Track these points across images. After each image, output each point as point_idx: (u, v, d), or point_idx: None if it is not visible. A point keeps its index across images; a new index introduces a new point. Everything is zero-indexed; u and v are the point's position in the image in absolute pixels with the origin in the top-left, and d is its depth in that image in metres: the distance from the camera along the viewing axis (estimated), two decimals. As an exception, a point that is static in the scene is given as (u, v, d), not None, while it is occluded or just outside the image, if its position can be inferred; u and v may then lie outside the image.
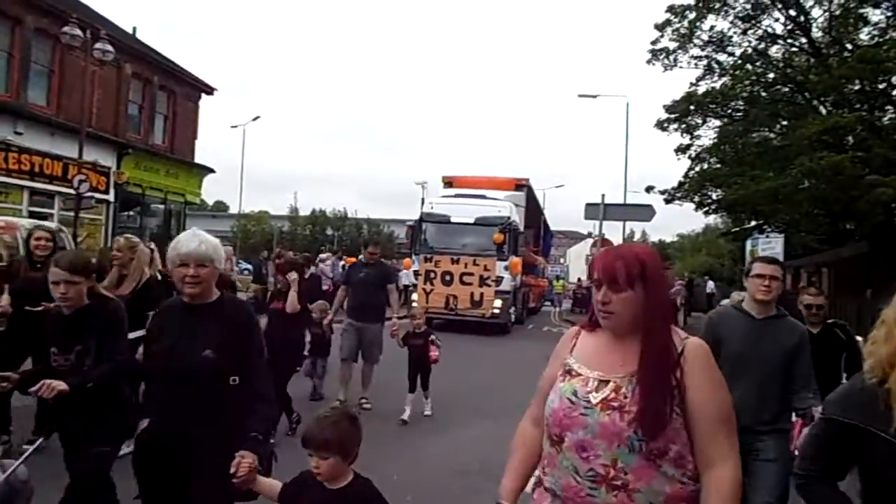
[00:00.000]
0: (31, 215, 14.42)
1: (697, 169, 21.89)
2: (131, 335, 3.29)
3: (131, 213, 19.79)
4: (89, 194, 15.03)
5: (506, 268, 15.08)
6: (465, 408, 7.53)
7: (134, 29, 21.91)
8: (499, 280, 14.92)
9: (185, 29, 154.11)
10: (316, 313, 7.24)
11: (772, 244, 23.55)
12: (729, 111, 20.89)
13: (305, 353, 6.94)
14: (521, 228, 16.60)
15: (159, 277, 5.23)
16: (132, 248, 5.03)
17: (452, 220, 15.67)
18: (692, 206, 22.18)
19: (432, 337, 6.90)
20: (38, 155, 15.00)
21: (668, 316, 1.72)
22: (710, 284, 31.43)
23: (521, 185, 18.62)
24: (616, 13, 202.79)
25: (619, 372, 1.62)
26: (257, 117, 50.26)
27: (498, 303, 14.85)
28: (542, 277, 27.49)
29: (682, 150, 21.87)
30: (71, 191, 14.60)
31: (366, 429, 2.21)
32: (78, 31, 13.60)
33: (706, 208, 22.68)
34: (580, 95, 26.86)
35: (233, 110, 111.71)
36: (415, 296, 15.49)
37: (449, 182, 18.87)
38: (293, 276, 5.93)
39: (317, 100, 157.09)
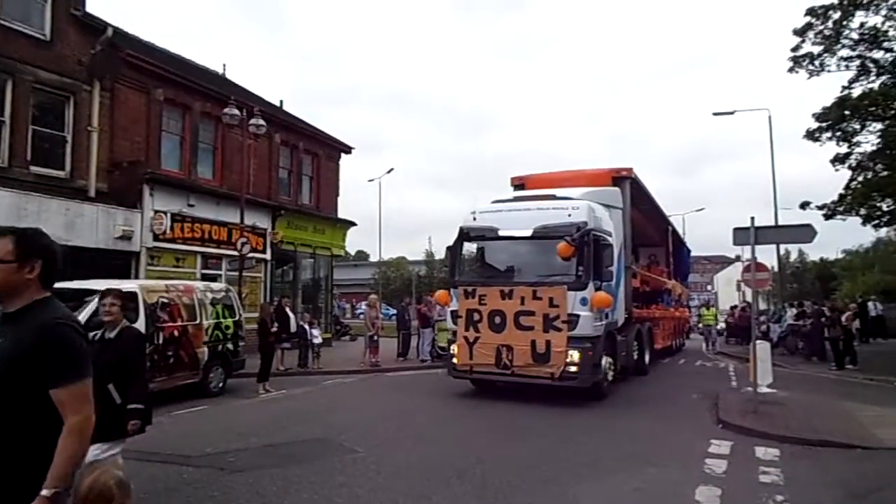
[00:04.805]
0: (204, 277, 16.17)
1: (860, 179, 19.83)
2: None
3: (285, 268, 21.48)
4: (251, 255, 16.58)
5: (583, 301, 10.13)
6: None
7: (281, 102, 24.23)
8: (574, 319, 10.04)
9: (322, 96, 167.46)
10: None
11: (964, 256, 20.61)
12: (893, 112, 18.82)
13: None
14: (616, 237, 11.70)
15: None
16: None
17: (501, 233, 11.00)
18: (857, 219, 20.07)
19: None
20: (207, 223, 16.83)
21: None
22: (873, 305, 27.87)
23: (620, 178, 12.92)
24: (746, 26, 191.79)
25: None
26: (391, 170, 52.79)
27: (574, 354, 9.95)
28: (682, 306, 23.28)
29: (839, 159, 19.99)
30: (235, 253, 16.19)
31: None
32: (236, 111, 15.27)
33: (876, 221, 20.38)
34: (715, 114, 25.67)
35: (369, 165, 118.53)
36: (454, 348, 11.11)
37: (520, 184, 13.69)
38: None
39: (441, 148, 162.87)
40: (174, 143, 17.32)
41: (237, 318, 12.38)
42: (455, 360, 10.97)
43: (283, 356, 14.69)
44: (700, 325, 28.66)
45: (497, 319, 10.43)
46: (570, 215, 10.47)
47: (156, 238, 15.31)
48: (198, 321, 11.25)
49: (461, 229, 11.58)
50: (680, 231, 25.59)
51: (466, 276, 11.56)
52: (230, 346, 12.04)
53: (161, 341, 10.30)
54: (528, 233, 10.68)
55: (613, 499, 5.70)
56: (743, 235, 10.36)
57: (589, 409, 9.96)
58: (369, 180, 39.83)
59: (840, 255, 58.68)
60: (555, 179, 13.02)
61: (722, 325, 29.31)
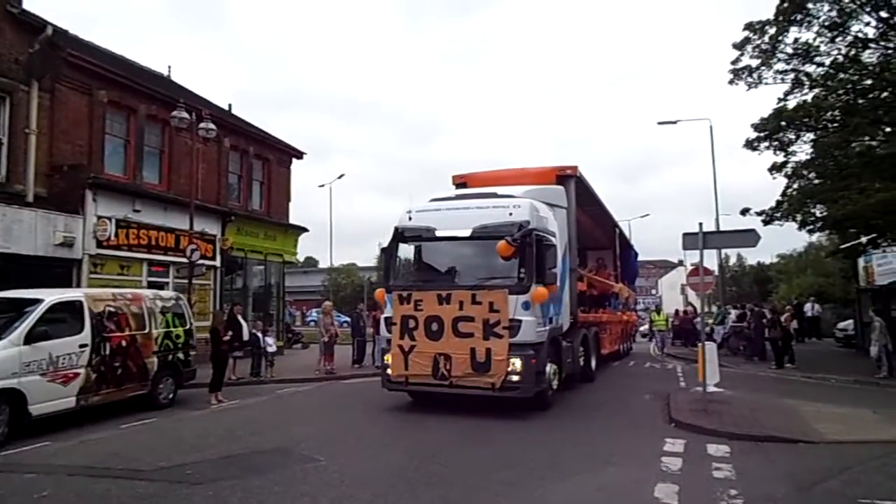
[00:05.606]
0: (150, 285, 15.63)
1: (796, 186, 20.85)
2: None
3: (234, 275, 20.98)
4: (200, 262, 16.13)
5: (525, 305, 9.50)
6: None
7: (230, 106, 23.72)
8: (515, 325, 9.40)
9: (269, 101, 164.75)
10: None
11: (888, 259, 21.95)
12: (823, 123, 19.88)
13: None
14: (560, 238, 11.24)
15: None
16: None
17: (439, 233, 10.35)
18: (793, 225, 21.08)
19: None
20: (154, 229, 16.28)
21: None
22: (810, 306, 29.41)
23: (565, 176, 12.47)
24: (688, 38, 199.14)
25: None
26: (342, 175, 52.41)
27: (516, 362, 9.33)
28: (630, 310, 23.21)
29: (776, 168, 20.94)
30: (183, 260, 15.71)
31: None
32: (185, 114, 14.86)
33: (810, 227, 21.46)
34: (660, 123, 26.75)
35: (317, 171, 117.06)
36: (387, 357, 10.31)
37: (462, 182, 13.13)
38: None
39: (390, 153, 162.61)
40: (118, 146, 16.68)
41: (188, 326, 12.03)
42: (389, 371, 10.21)
43: (235, 365, 14.34)
44: (648, 329, 29.35)
45: (434, 326, 9.70)
46: (511, 214, 9.94)
47: (99, 245, 14.70)
48: (147, 330, 10.88)
49: (396, 229, 10.80)
50: (628, 234, 26.22)
51: (401, 279, 10.79)
52: (181, 355, 11.69)
53: (108, 352, 9.92)
54: (467, 233, 10.03)
55: (578, 498, 5.81)
56: (692, 240, 10.75)
57: (542, 416, 9.92)
58: (320, 186, 39.60)
59: (775, 260, 61.46)
60: (498, 177, 12.45)
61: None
